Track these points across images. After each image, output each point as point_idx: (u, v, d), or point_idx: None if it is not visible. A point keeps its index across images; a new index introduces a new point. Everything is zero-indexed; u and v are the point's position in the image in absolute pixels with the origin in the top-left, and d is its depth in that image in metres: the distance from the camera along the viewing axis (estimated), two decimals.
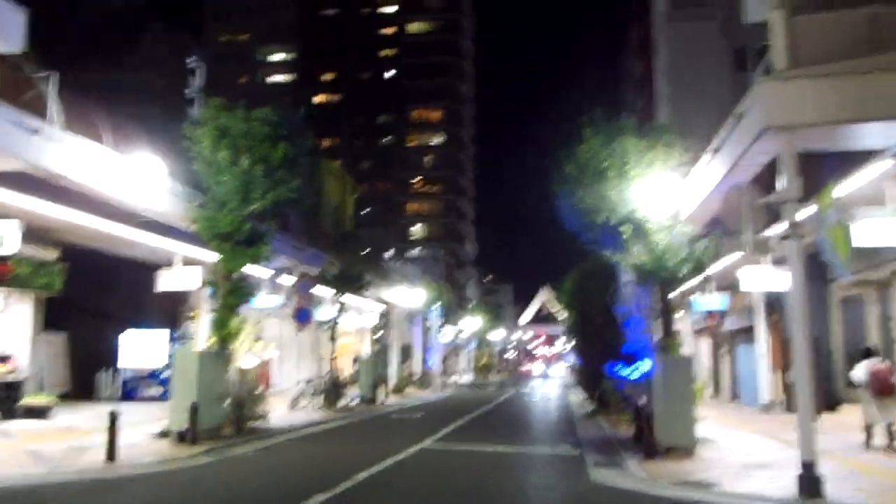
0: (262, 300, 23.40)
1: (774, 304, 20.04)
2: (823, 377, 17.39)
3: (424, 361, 37.72)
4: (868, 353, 12.55)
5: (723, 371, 26.34)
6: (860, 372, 12.15)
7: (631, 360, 13.71)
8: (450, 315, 47.99)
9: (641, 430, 11.78)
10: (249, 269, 21.18)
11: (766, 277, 17.08)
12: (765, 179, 10.79)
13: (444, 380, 45.78)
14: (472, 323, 56.17)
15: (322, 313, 30.23)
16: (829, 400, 17.04)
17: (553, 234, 13.26)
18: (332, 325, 21.82)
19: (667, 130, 13.46)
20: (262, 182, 14.30)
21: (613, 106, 13.40)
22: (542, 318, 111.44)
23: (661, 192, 12.96)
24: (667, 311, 14.03)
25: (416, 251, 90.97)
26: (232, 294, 14.77)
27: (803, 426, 7.97)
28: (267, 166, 14.37)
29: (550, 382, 52.32)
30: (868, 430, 12.07)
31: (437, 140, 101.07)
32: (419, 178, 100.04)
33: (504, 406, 25.29)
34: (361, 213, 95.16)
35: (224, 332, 14.56)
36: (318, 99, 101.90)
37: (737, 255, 18.25)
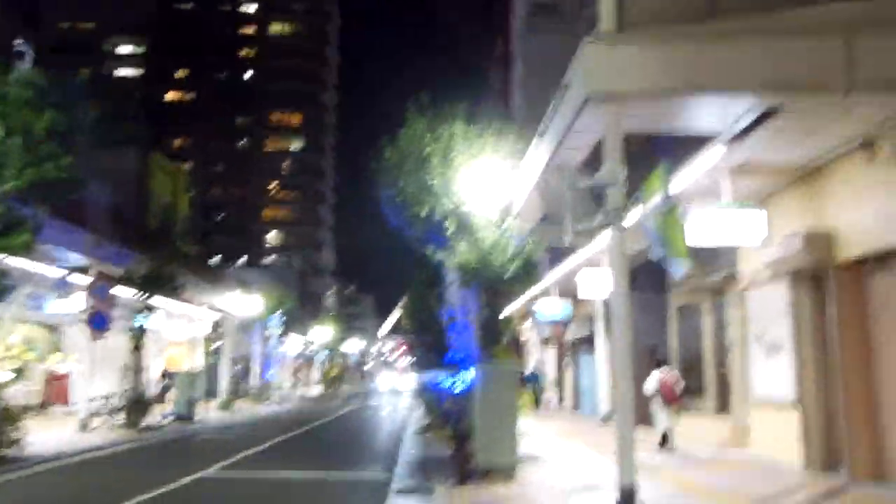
0: (57, 305, 20.44)
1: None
2: None
3: (262, 373, 35.10)
4: (659, 364, 13.75)
5: (566, 381, 25.73)
6: (651, 382, 13.22)
7: (454, 369, 12.27)
8: (295, 324, 45.49)
9: (458, 451, 10.30)
10: (29, 266, 18.38)
11: (603, 283, 16.28)
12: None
13: (291, 392, 43.28)
14: (322, 333, 53.77)
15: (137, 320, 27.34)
16: None
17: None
18: (138, 332, 19.08)
19: (501, 116, 12.20)
20: (20, 157, 11.77)
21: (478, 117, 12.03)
22: (402, 328, 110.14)
23: (489, 183, 11.66)
24: (494, 316, 12.76)
25: (271, 258, 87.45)
26: None
27: (622, 447, 6.69)
28: (27, 138, 11.86)
29: (402, 395, 50.82)
30: (664, 436, 13.06)
31: (296, 146, 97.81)
32: (276, 183, 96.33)
33: (336, 422, 23.40)
34: (215, 218, 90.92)
35: None
36: (170, 96, 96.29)
37: (577, 260, 17.39)
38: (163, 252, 19.78)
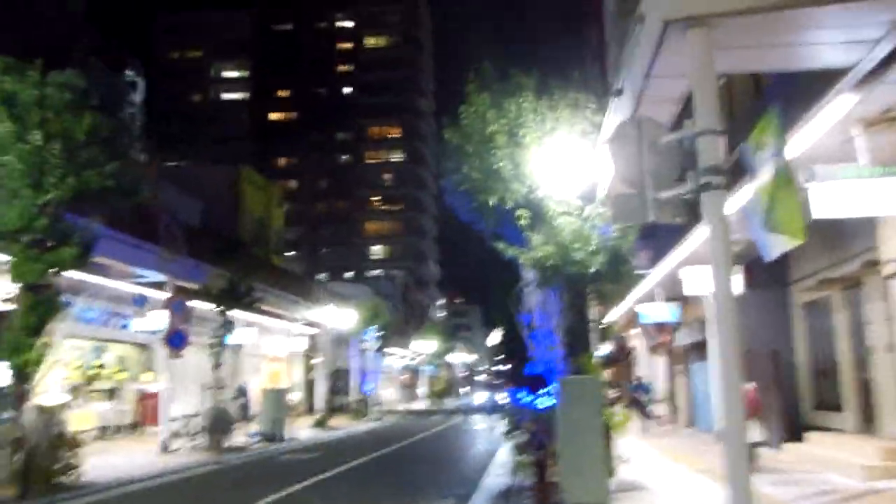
0: (140, 323, 20.06)
1: None
2: (786, 398, 14.39)
3: (361, 388, 34.26)
4: None
5: (678, 392, 23.28)
6: None
7: (536, 384, 10.57)
8: (396, 337, 44.71)
9: (540, 482, 8.61)
10: (105, 282, 18.05)
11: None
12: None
13: (393, 407, 42.46)
14: (425, 346, 52.85)
15: (235, 337, 27.03)
16: (793, 427, 14.00)
17: None
18: (218, 349, 18.36)
19: (574, 86, 10.46)
20: (60, 164, 11.05)
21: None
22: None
23: (566, 164, 9.97)
24: (580, 321, 10.99)
25: (376, 272, 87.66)
26: (33, 311, 11.44)
27: (733, 482, 4.91)
28: (67, 143, 11.14)
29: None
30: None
31: (396, 157, 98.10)
32: (378, 196, 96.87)
33: (428, 440, 22.00)
34: (320, 233, 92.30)
35: (19, 359, 11.21)
36: (274, 116, 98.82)
37: (682, 254, 15.29)
38: (239, 265, 19.00)
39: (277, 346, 33.40)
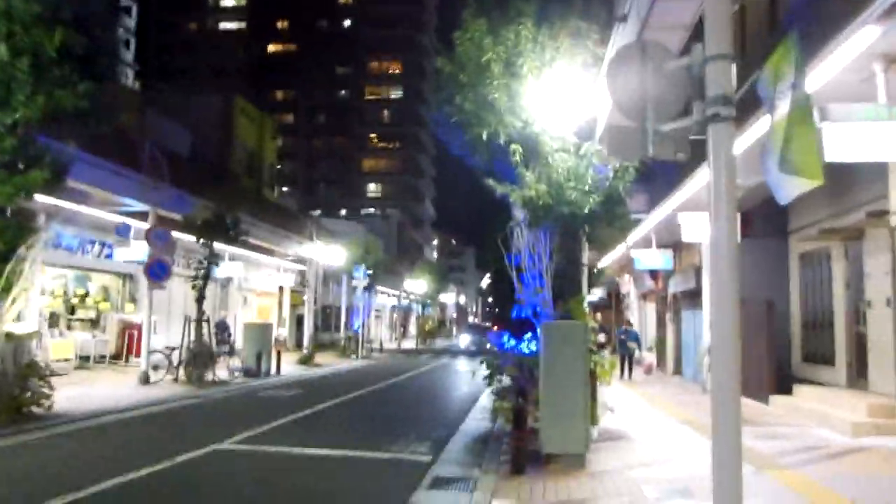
0: (124, 253, 19.63)
1: None
2: (778, 351, 14.13)
3: (350, 325, 34.10)
4: None
5: (667, 341, 23.09)
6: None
7: (522, 328, 10.19)
8: (389, 276, 44.42)
9: (518, 429, 8.29)
10: (88, 210, 17.50)
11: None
12: None
13: (383, 346, 42.42)
14: (417, 285, 52.65)
15: (223, 270, 26.65)
16: (782, 380, 13.77)
17: None
18: (200, 281, 17.92)
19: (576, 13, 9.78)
20: (29, 81, 10.41)
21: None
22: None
23: (564, 97, 9.41)
24: (571, 264, 10.59)
25: (371, 210, 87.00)
26: (1, 236, 10.95)
27: (721, 444, 4.56)
28: (36, 60, 10.48)
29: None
30: None
31: (395, 93, 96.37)
32: (376, 133, 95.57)
33: (411, 381, 21.79)
34: (314, 167, 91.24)
35: None
36: (272, 48, 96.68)
37: (679, 199, 14.83)
38: (225, 196, 18.46)
39: (266, 281, 33.11)
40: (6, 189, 10.66)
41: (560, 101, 9.46)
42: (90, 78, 11.18)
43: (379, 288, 40.88)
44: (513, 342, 10.15)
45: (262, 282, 32.73)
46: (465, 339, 45.72)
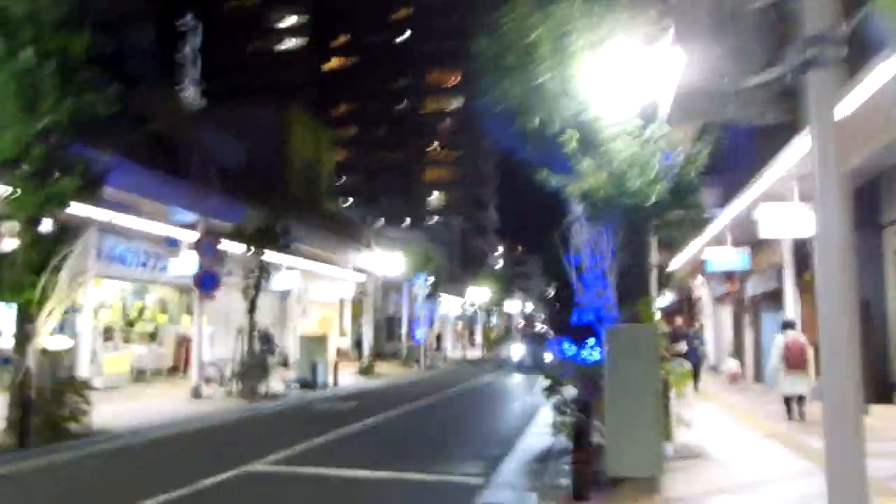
0: (179, 264, 19.31)
1: (807, 258, 15.25)
2: (876, 355, 12.65)
3: (411, 335, 33.40)
4: (785, 327, 12.67)
5: (746, 346, 21.52)
6: (776, 348, 12.41)
7: (583, 334, 9.16)
8: (452, 284, 43.67)
9: (580, 447, 7.28)
10: (138, 222, 17.23)
11: (793, 218, 12.39)
12: None
13: (446, 355, 41.64)
14: (480, 293, 51.72)
15: (279, 281, 26.31)
16: (883, 387, 12.31)
17: None
18: (251, 291, 17.44)
19: None
20: (56, 85, 10.00)
21: None
22: None
23: (623, 76, 8.38)
24: (637, 262, 9.51)
25: (435, 220, 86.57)
26: (34, 247, 10.56)
27: (837, 492, 3.53)
28: (64, 63, 10.07)
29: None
30: (787, 403, 12.24)
31: (454, 105, 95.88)
32: (436, 144, 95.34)
33: (470, 391, 20.90)
34: (379, 181, 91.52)
35: (20, 299, 10.40)
36: (331, 65, 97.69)
37: (758, 190, 13.52)
38: (275, 205, 17.97)
39: (326, 292, 32.71)
40: (36, 199, 10.27)
41: (619, 81, 8.43)
42: (121, 81, 10.74)
43: (442, 296, 40.15)
44: (573, 350, 9.13)
45: (322, 292, 32.34)
46: (517, 351, 34.67)
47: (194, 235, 17.38)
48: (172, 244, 18.11)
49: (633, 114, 8.72)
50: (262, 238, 17.37)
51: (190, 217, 17.33)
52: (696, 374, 17.98)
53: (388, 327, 37.37)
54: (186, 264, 18.81)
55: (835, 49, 3.58)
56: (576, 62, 8.60)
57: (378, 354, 30.65)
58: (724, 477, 7.75)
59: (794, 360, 12.00)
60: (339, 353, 31.75)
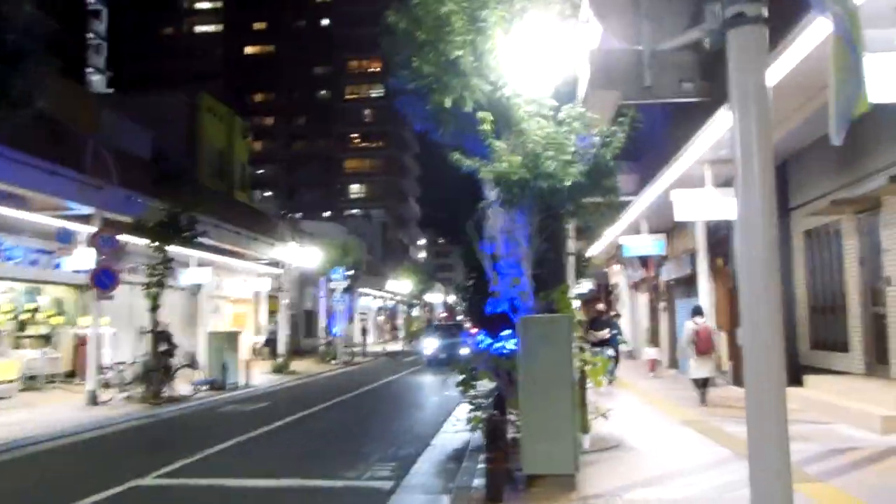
0: (73, 261, 18.05)
1: (720, 243, 15.40)
2: (785, 338, 12.77)
3: (328, 330, 32.60)
4: (695, 314, 13.06)
5: (661, 333, 21.76)
6: (686, 333, 12.86)
7: (498, 325, 8.78)
8: (371, 277, 42.98)
9: (494, 444, 6.88)
10: (25, 216, 15.99)
11: (707, 202, 12.38)
12: None
13: (365, 349, 40.90)
14: (401, 286, 51.22)
15: (189, 276, 25.09)
16: (792, 369, 12.43)
17: None
18: (153, 289, 16.40)
19: None
20: None
21: None
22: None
23: (537, 53, 8.00)
24: (553, 249, 9.20)
25: (354, 211, 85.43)
26: None
27: (761, 481, 3.18)
28: None
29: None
30: (697, 387, 12.70)
31: (376, 91, 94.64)
32: (358, 133, 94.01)
33: (387, 387, 20.32)
34: (295, 170, 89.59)
35: None
36: (250, 50, 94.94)
37: (673, 175, 13.47)
38: (179, 196, 16.92)
39: (241, 288, 31.56)
40: None
41: (534, 59, 8.05)
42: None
43: (361, 290, 39.41)
44: (488, 341, 8.73)
45: (236, 288, 31.18)
46: (431, 345, 29.88)
47: (90, 229, 16.21)
48: (64, 239, 16.88)
49: (549, 93, 8.39)
50: (165, 231, 16.35)
51: (85, 210, 16.14)
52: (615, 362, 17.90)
53: (306, 322, 36.41)
54: (82, 261, 17.58)
55: (757, 6, 3.22)
56: (489, 38, 8.21)
57: (295, 351, 29.75)
58: (643, 468, 7.50)
59: (702, 346, 12.53)
60: (255, 350, 30.69)
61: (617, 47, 4.11)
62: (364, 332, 40.74)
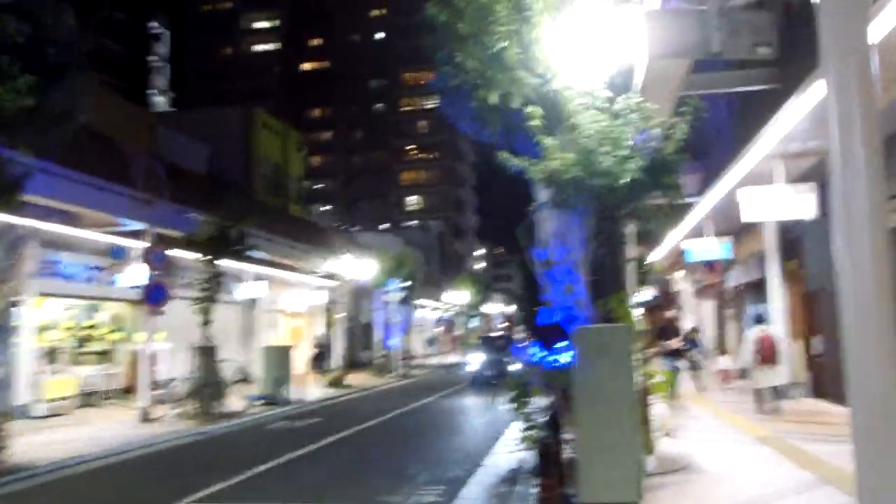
0: (127, 277, 18.08)
1: (792, 245, 14.37)
2: None
3: (384, 343, 32.23)
4: (759, 320, 12.78)
5: (729, 341, 20.62)
6: (748, 342, 12.45)
7: (551, 336, 8.12)
8: (426, 288, 42.58)
9: (548, 466, 6.24)
10: (79, 233, 16.05)
11: (778, 200, 11.46)
12: None
13: (423, 361, 40.54)
14: (458, 297, 50.70)
15: (245, 291, 25.14)
16: None
17: None
18: (204, 303, 16.23)
19: None
20: None
21: None
22: None
23: (590, 41, 7.35)
24: (611, 252, 8.49)
25: (412, 223, 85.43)
26: None
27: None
28: None
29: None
30: (758, 396, 12.37)
31: (431, 103, 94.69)
32: (414, 144, 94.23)
33: (441, 401, 19.70)
34: (353, 183, 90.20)
35: None
36: (306, 66, 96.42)
37: (741, 172, 12.55)
38: (229, 210, 16.75)
39: (296, 301, 31.51)
40: None
41: (585, 47, 7.40)
42: (37, 73, 9.60)
43: (418, 301, 39.02)
44: (542, 354, 8.08)
45: (292, 302, 31.14)
46: (475, 360, 26.07)
47: (143, 245, 16.17)
48: (118, 255, 16.89)
49: (603, 84, 7.74)
50: (215, 245, 16.18)
51: (137, 225, 16.11)
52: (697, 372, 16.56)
53: (363, 335, 36.18)
54: (135, 277, 17.60)
55: None
56: (537, 26, 7.61)
57: (352, 364, 29.50)
58: (715, 495, 6.75)
59: (766, 355, 12.03)
60: (312, 364, 30.56)
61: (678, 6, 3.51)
62: (423, 343, 40.38)
